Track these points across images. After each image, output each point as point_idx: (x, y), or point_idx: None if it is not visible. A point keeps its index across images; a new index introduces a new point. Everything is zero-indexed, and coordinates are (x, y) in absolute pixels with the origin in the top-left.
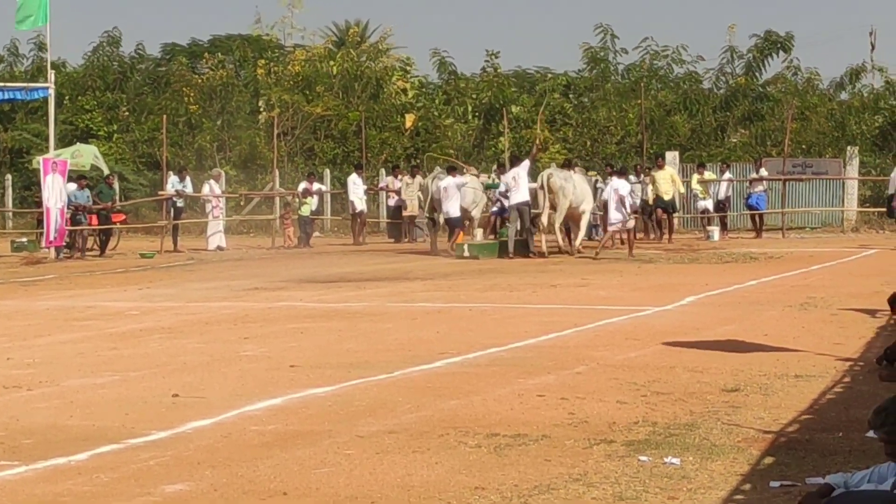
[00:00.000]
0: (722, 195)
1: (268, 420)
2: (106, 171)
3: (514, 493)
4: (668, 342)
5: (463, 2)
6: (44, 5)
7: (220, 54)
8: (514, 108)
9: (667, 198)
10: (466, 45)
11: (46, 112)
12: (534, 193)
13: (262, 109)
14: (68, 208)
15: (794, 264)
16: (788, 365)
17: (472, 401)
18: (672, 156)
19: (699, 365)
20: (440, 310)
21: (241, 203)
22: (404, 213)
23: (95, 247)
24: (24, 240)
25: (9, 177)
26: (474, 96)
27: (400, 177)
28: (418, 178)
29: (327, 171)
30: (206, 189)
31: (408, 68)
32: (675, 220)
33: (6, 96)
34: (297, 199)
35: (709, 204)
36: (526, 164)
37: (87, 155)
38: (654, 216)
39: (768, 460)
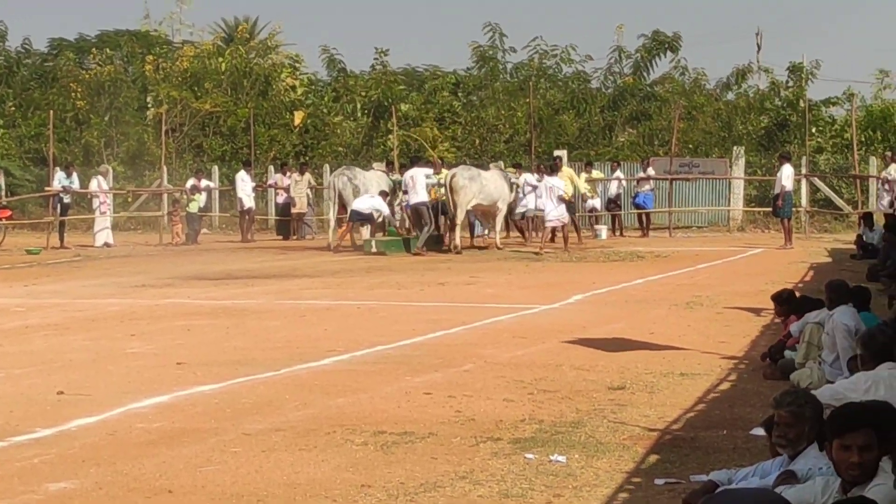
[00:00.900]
0: (612, 194)
1: (154, 418)
2: None
3: (400, 491)
4: (555, 340)
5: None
6: None
7: (108, 50)
8: (403, 107)
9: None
10: (356, 42)
11: None
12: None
13: (150, 106)
14: None
15: (681, 263)
16: (674, 363)
17: (359, 399)
18: (560, 154)
19: (586, 363)
20: (328, 307)
21: (129, 199)
22: (293, 211)
23: None
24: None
25: None
26: (363, 94)
27: (288, 174)
28: (306, 175)
29: (216, 168)
30: (93, 185)
31: (297, 65)
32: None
33: None
34: (185, 196)
35: (597, 203)
36: (424, 169)
37: None
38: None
39: (653, 458)
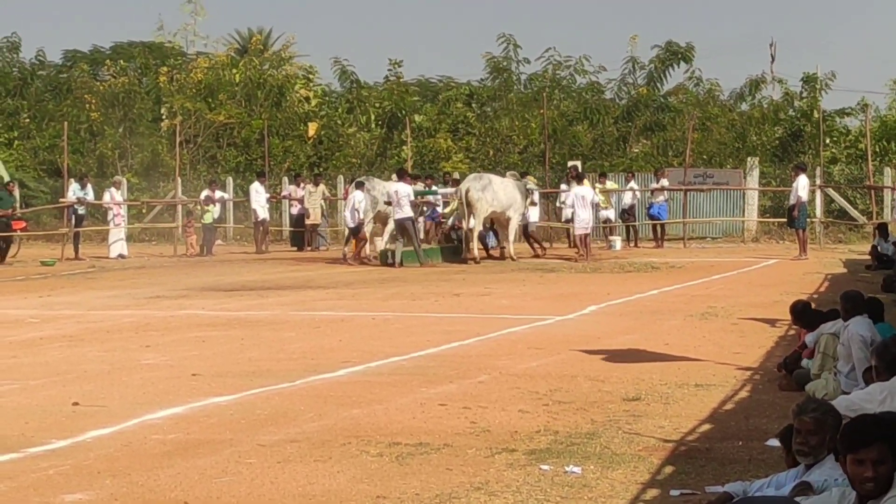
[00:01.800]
0: (627, 204)
1: (169, 429)
2: (6, 179)
3: (415, 502)
4: (569, 351)
5: (366, 11)
6: None
7: (122, 61)
8: (416, 118)
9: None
10: (370, 54)
11: None
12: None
13: (164, 117)
14: None
15: (696, 274)
16: (689, 374)
17: (374, 410)
18: (574, 165)
19: (601, 374)
20: (343, 318)
21: (143, 211)
22: (307, 222)
23: None
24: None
25: None
26: (377, 105)
27: (303, 185)
28: (321, 187)
29: (230, 179)
30: (107, 196)
31: (311, 77)
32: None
33: None
34: (199, 207)
35: (610, 213)
36: (409, 186)
37: None
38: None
39: (668, 469)
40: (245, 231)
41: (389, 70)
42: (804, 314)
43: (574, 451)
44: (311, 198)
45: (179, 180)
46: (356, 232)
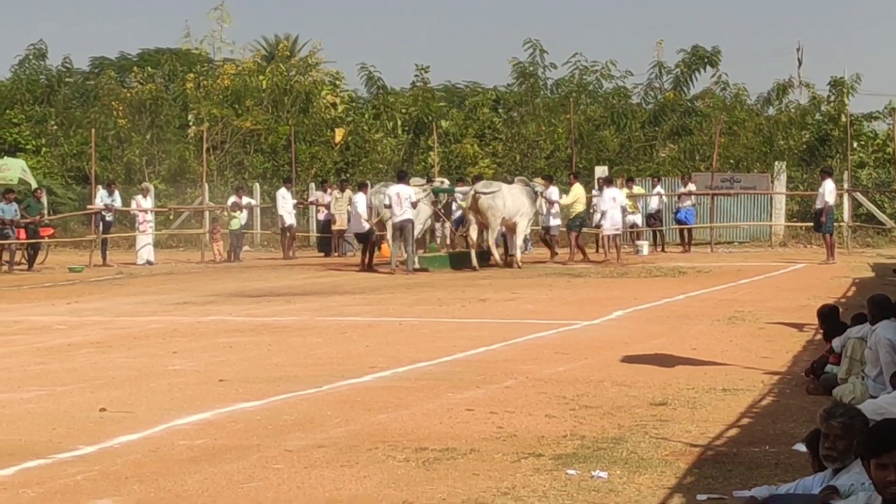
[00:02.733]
0: (653, 209)
1: (196, 434)
2: (34, 185)
3: None
4: (596, 356)
5: (393, 16)
6: None
7: (149, 68)
8: (443, 123)
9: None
10: (397, 59)
11: None
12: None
13: (191, 123)
14: None
15: (723, 278)
16: (716, 378)
17: (400, 415)
18: (602, 170)
19: (627, 379)
20: (369, 324)
21: (171, 217)
22: (333, 228)
23: (23, 261)
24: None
25: None
26: (404, 111)
27: (329, 191)
28: (347, 192)
29: (257, 186)
30: (134, 203)
31: (337, 83)
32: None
33: None
34: (226, 214)
35: (637, 218)
36: (414, 189)
37: (14, 169)
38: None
39: (695, 474)
40: (272, 237)
41: (416, 76)
42: (829, 317)
43: (601, 455)
44: (337, 203)
45: (206, 186)
46: (366, 237)
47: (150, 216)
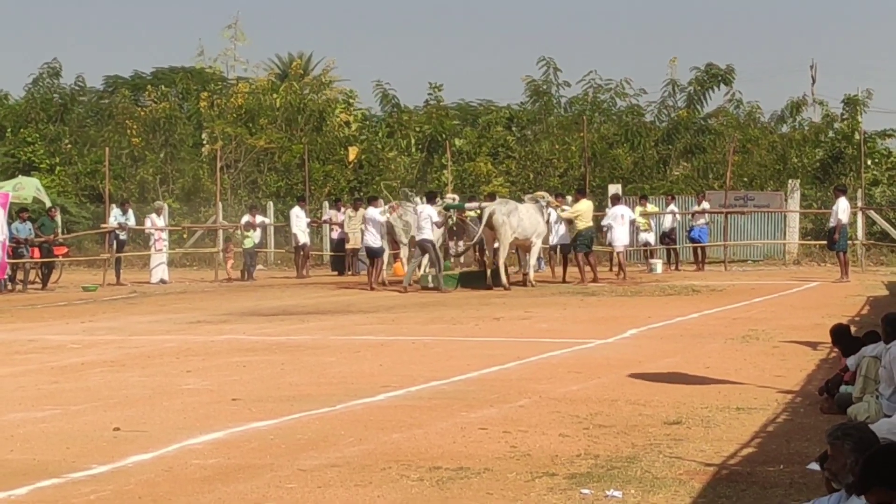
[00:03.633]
0: (667, 227)
1: (209, 454)
2: (48, 204)
3: None
4: (610, 375)
5: (406, 35)
6: None
7: (163, 87)
8: (457, 141)
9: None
10: (410, 78)
11: None
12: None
13: (205, 142)
14: (10, 241)
15: (736, 297)
16: (730, 397)
17: (414, 434)
18: (615, 188)
19: (641, 398)
20: (383, 343)
21: (184, 236)
22: (347, 246)
23: (37, 280)
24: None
25: None
26: (417, 129)
27: (343, 209)
28: (361, 211)
29: (271, 204)
30: (148, 222)
31: (351, 101)
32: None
33: None
34: (240, 232)
35: (651, 237)
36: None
37: (28, 188)
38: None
39: (710, 493)
40: (286, 256)
41: (430, 94)
42: (843, 337)
43: (615, 475)
44: (351, 222)
45: (220, 205)
46: (378, 254)
47: (164, 235)
